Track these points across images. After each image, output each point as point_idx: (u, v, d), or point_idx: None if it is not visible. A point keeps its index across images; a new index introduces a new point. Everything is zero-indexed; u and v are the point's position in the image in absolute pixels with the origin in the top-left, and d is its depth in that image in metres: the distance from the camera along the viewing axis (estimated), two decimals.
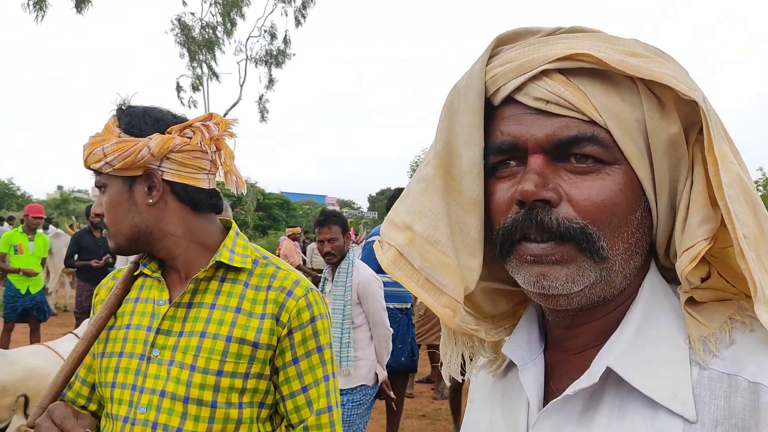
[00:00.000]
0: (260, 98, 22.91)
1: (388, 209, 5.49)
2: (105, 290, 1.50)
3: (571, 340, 0.78)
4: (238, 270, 1.39)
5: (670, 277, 0.76)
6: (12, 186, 38.70)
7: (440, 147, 0.78)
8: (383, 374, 3.99)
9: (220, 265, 1.38)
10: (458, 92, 0.77)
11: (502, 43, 0.77)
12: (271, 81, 22.40)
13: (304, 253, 13.62)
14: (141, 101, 1.46)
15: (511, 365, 0.85)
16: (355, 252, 4.12)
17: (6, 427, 5.24)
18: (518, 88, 0.72)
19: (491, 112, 0.76)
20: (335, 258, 3.96)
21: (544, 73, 0.71)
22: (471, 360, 0.90)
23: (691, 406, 0.66)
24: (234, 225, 1.48)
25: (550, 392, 0.79)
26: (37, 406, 1.30)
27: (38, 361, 5.60)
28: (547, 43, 0.73)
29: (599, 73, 0.70)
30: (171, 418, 1.27)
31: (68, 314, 11.57)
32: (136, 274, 1.44)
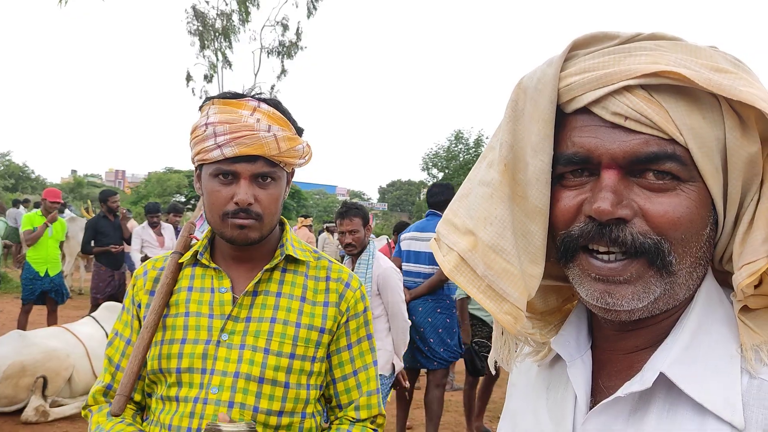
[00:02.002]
0: (272, 88, 22.92)
1: (433, 197, 5.17)
2: (144, 279, 1.52)
3: (622, 341, 0.79)
4: (297, 262, 1.48)
5: (721, 279, 0.77)
6: (27, 169, 38.95)
7: (506, 152, 0.76)
8: (400, 365, 4.05)
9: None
10: (526, 94, 0.74)
11: (577, 47, 0.74)
12: (283, 72, 22.40)
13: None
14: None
15: (558, 357, 0.86)
16: (375, 244, 4.15)
17: (25, 407, 5.35)
18: (596, 100, 0.70)
19: (560, 118, 0.74)
20: (356, 249, 4.01)
21: (626, 88, 0.68)
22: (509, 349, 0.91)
23: (740, 414, 0.67)
24: (286, 221, 1.55)
25: (597, 389, 0.80)
26: (118, 394, 1.35)
27: (57, 343, 5.69)
28: (629, 54, 0.70)
29: (682, 89, 0.68)
30: (247, 397, 1.35)
31: (83, 297, 11.70)
32: (181, 262, 1.48)
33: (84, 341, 5.86)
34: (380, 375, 3.88)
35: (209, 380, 1.36)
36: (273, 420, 1.36)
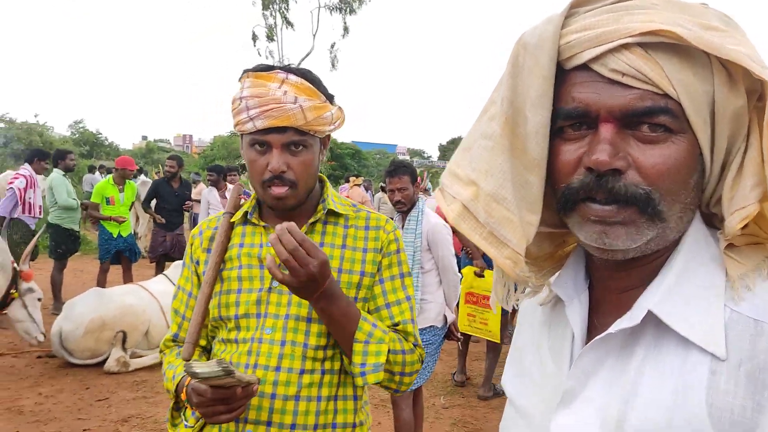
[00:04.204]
0: (332, 46, 22.84)
1: None
2: (200, 239, 1.68)
3: (615, 281, 0.83)
4: (338, 215, 1.63)
5: (707, 220, 0.82)
6: (100, 136, 40.31)
7: (506, 106, 0.80)
8: (452, 317, 4.17)
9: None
10: (526, 49, 0.77)
11: (578, 4, 0.76)
12: (345, 29, 22.25)
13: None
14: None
15: (559, 299, 0.91)
16: (425, 200, 4.25)
17: (106, 359, 5.78)
18: (595, 58, 0.73)
19: (560, 74, 0.77)
20: (405, 207, 4.10)
21: (624, 45, 0.71)
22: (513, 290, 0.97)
23: (722, 346, 0.71)
24: (325, 179, 1.68)
25: (593, 326, 0.85)
26: (186, 342, 1.51)
27: (133, 299, 6.08)
28: (627, 12, 0.72)
29: (676, 46, 0.71)
30: (296, 335, 1.51)
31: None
32: (232, 221, 1.63)
33: (158, 297, 6.23)
34: (432, 327, 4.03)
35: (263, 323, 1.52)
36: (320, 354, 1.52)
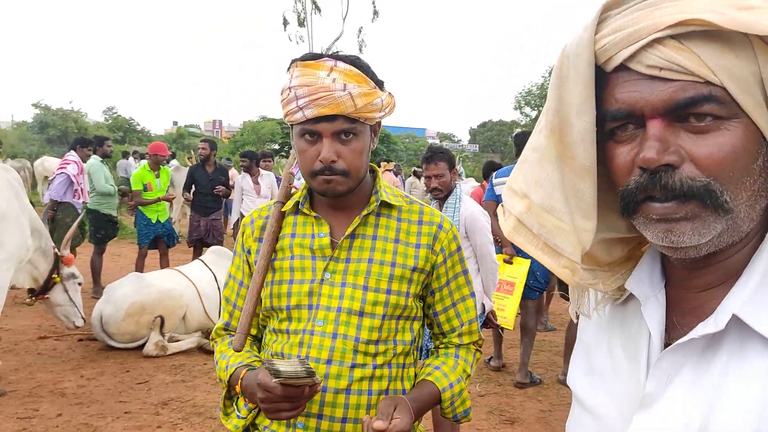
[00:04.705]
0: (359, 30, 22.81)
1: (517, 147, 5.80)
2: (252, 228, 1.68)
3: (694, 279, 0.81)
4: (391, 207, 1.61)
5: None
6: (133, 122, 40.80)
7: (551, 116, 0.80)
8: (489, 305, 4.14)
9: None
10: (567, 59, 0.78)
11: (609, 8, 0.76)
12: (375, 12, 22.15)
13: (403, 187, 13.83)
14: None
15: (632, 296, 0.89)
16: (462, 188, 4.21)
17: (145, 343, 5.88)
18: (630, 56, 0.73)
19: (603, 77, 0.78)
20: (442, 193, 4.07)
21: (656, 40, 0.71)
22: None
23: None
24: (377, 169, 1.67)
25: (671, 326, 0.83)
26: (237, 332, 1.53)
27: (171, 284, 6.16)
28: (656, 7, 0.72)
29: (712, 32, 0.70)
30: (348, 328, 1.50)
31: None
32: (283, 211, 1.63)
33: (195, 282, 6.31)
34: None
35: (315, 314, 1.52)
36: (371, 348, 1.52)
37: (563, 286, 5.66)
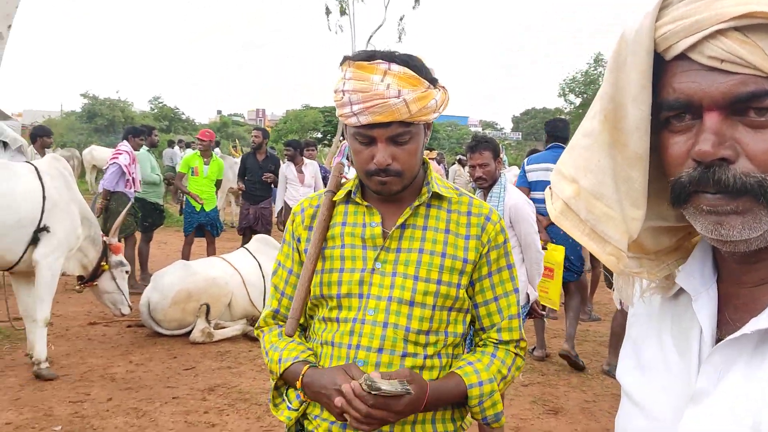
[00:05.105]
0: (400, 19, 22.74)
1: (548, 134, 5.88)
2: (302, 216, 1.69)
3: (746, 274, 0.80)
4: (441, 198, 1.61)
5: None
6: (178, 111, 41.50)
7: (606, 102, 0.79)
8: (534, 294, 4.10)
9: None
10: (626, 45, 0.76)
11: None
12: (416, 0, 22.07)
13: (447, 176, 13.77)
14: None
15: (682, 290, 0.88)
16: (507, 176, 4.15)
17: (192, 330, 5.99)
18: (691, 46, 0.72)
19: (661, 65, 0.76)
20: (487, 183, 4.01)
21: (719, 31, 0.69)
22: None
23: None
24: (428, 161, 1.66)
25: (723, 321, 0.82)
26: (290, 317, 1.55)
27: (216, 272, 6.26)
28: None
29: None
30: (399, 318, 1.51)
31: (232, 230, 12.63)
32: (334, 200, 1.63)
33: (240, 270, 6.40)
34: None
35: (365, 303, 1.53)
36: (422, 338, 1.52)
37: (608, 276, 5.58)
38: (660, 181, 0.82)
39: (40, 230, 4.76)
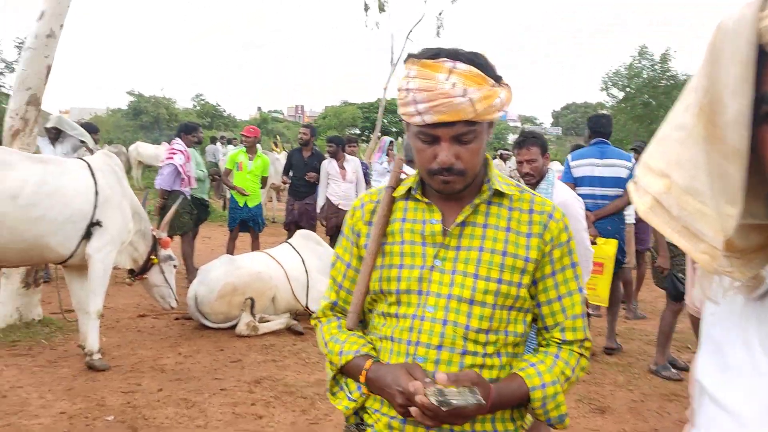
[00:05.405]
0: (439, 14, 22.67)
1: (591, 129, 5.84)
2: (362, 211, 1.70)
3: None
4: (502, 195, 1.59)
5: None
6: (219, 108, 42.09)
7: (701, 95, 0.77)
8: (583, 292, 4.04)
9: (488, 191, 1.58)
10: (725, 36, 0.74)
11: None
12: None
13: None
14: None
15: None
16: (555, 172, 4.10)
17: (237, 323, 6.09)
18: None
19: (762, 57, 0.73)
20: (534, 179, 3.98)
21: None
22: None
23: None
24: (488, 158, 1.64)
25: None
26: (351, 312, 1.56)
27: (261, 266, 6.33)
28: None
29: None
30: (458, 316, 1.50)
31: (276, 225, 12.78)
32: (395, 196, 1.63)
33: (283, 265, 6.47)
34: None
35: (425, 300, 1.52)
36: (482, 337, 1.51)
37: (657, 275, 5.48)
38: (752, 176, 0.79)
39: (93, 225, 4.90)
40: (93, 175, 4.98)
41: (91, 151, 6.49)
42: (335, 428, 4.09)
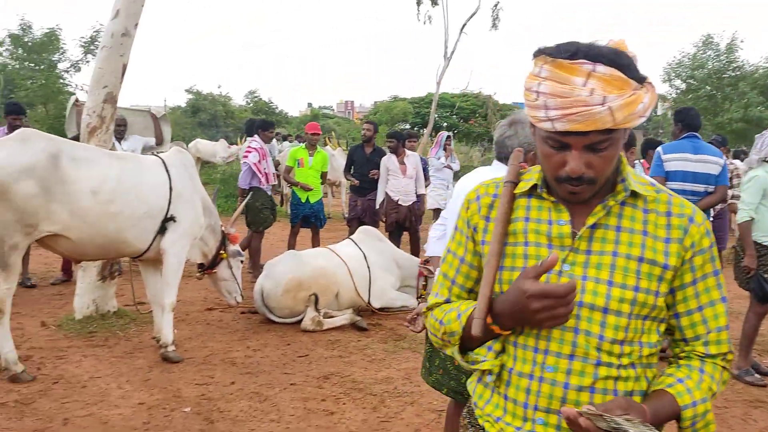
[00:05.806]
0: (495, 5, 22.37)
1: (682, 123, 5.67)
2: (478, 204, 1.59)
3: None
4: (636, 196, 1.46)
5: None
6: (272, 104, 42.60)
7: None
8: None
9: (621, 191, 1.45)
10: None
11: None
12: None
13: None
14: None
15: None
16: (639, 168, 3.98)
17: (302, 318, 6.13)
18: None
19: None
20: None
21: None
22: None
23: None
24: (621, 155, 1.49)
25: None
26: (474, 317, 1.43)
27: (324, 262, 6.37)
28: None
29: None
30: (591, 325, 1.40)
31: (331, 221, 12.80)
32: (516, 193, 1.53)
33: (346, 261, 6.49)
34: None
35: None
36: (616, 348, 1.41)
37: (742, 275, 5.24)
38: None
39: (168, 220, 5.00)
40: (167, 171, 5.08)
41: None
42: (406, 427, 4.07)
